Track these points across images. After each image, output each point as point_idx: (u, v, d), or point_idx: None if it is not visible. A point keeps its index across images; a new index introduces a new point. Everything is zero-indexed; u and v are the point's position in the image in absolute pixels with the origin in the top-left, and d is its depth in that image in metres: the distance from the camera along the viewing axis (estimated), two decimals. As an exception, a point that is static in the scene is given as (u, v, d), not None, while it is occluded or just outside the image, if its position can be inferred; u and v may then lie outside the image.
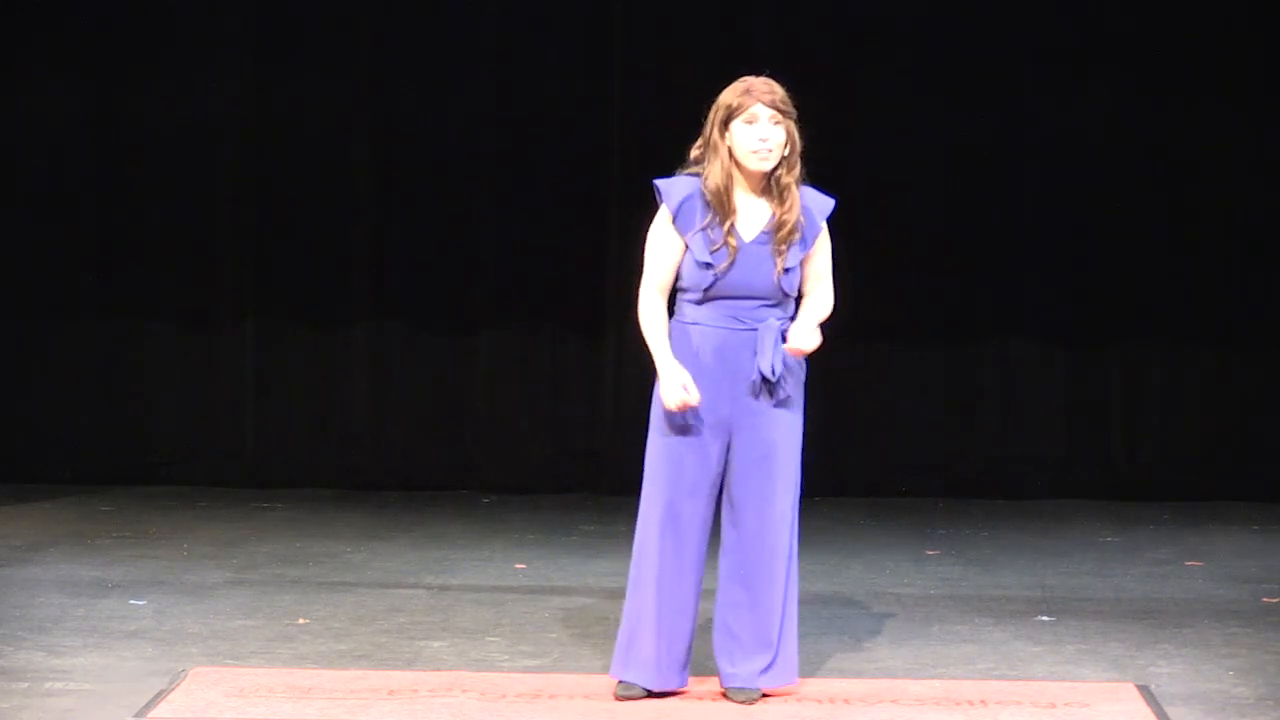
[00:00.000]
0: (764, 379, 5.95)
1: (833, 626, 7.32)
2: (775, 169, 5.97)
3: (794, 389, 6.03)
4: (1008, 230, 10.95)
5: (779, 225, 5.96)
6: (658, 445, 6.04)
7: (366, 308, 11.18)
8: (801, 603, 7.70)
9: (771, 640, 6.05)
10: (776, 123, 5.96)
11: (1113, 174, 10.93)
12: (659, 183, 6.04)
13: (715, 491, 6.06)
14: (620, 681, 6.09)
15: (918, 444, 11.05)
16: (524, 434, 11.13)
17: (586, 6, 11.05)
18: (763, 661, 6.06)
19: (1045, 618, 7.51)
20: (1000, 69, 10.90)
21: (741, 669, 6.07)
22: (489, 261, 11.08)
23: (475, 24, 11.07)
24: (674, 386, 5.91)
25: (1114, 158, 10.92)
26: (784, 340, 5.98)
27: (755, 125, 5.94)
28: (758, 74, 6.08)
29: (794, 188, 5.97)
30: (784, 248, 5.95)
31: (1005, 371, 11.07)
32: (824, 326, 6.08)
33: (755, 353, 5.95)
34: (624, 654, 6.10)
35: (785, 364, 5.98)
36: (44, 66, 11.12)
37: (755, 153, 5.94)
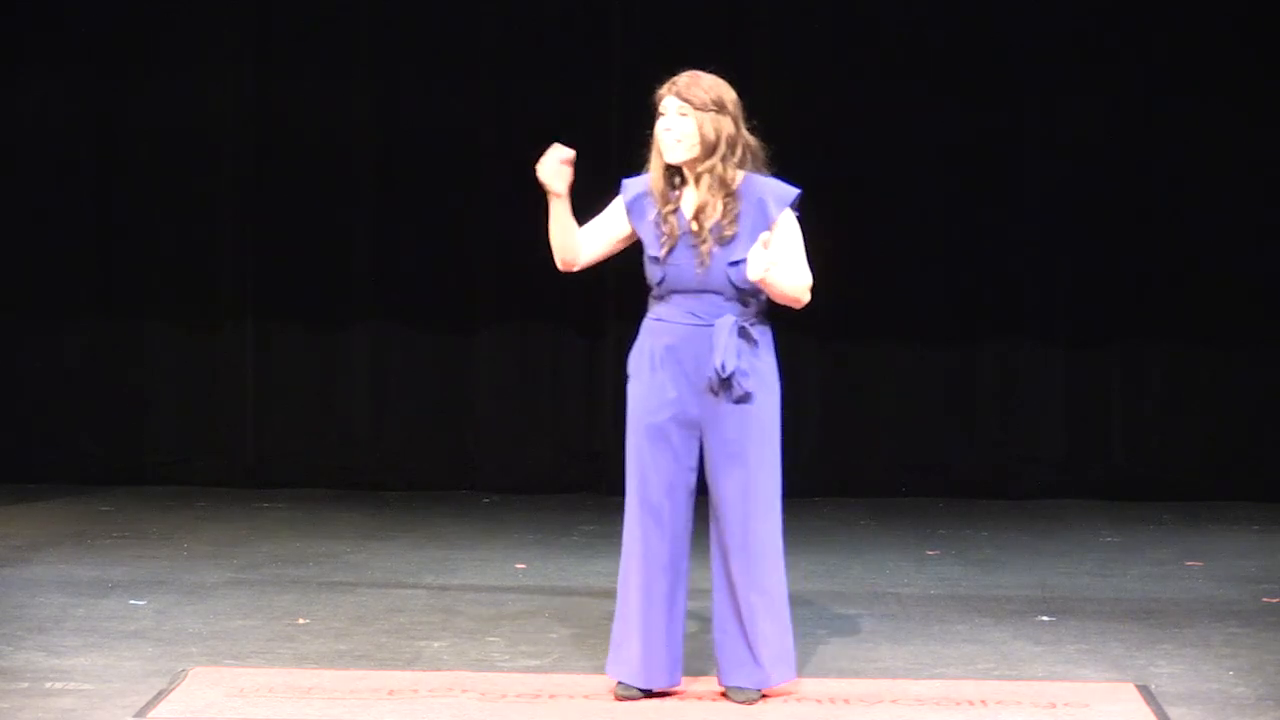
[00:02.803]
0: (719, 376, 5.96)
1: (833, 626, 7.32)
2: (698, 161, 6.00)
3: (758, 386, 6.01)
4: (1008, 230, 10.95)
5: (694, 214, 6.00)
6: (631, 446, 6.08)
7: (366, 308, 11.18)
8: (801, 603, 7.74)
9: (762, 639, 6.04)
10: (684, 114, 6.01)
11: (1113, 173, 10.93)
12: (625, 181, 6.17)
13: (693, 489, 6.07)
14: (619, 682, 6.10)
15: (918, 444, 11.05)
16: (524, 434, 11.13)
17: (586, 6, 11.06)
18: (753, 660, 6.05)
19: (1045, 618, 7.51)
20: (1001, 68, 10.90)
21: (734, 667, 6.08)
22: (489, 261, 11.08)
23: (475, 24, 11.07)
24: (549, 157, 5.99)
25: (1115, 157, 10.92)
26: (742, 336, 5.98)
27: (664, 117, 6.03)
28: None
29: (706, 178, 6.00)
30: (705, 237, 5.97)
31: (1005, 371, 11.07)
32: (817, 313, 6.21)
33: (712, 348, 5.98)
34: (615, 652, 6.14)
35: (747, 361, 5.99)
36: (44, 66, 11.12)
37: (663, 142, 6.02)
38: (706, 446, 6.04)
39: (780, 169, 10.96)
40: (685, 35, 10.82)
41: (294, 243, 11.15)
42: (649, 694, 6.08)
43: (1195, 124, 10.86)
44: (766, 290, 5.96)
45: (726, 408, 5.99)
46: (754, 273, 5.87)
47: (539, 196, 10.79)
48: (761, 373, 6.04)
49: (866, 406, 11.07)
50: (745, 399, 5.99)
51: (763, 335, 6.07)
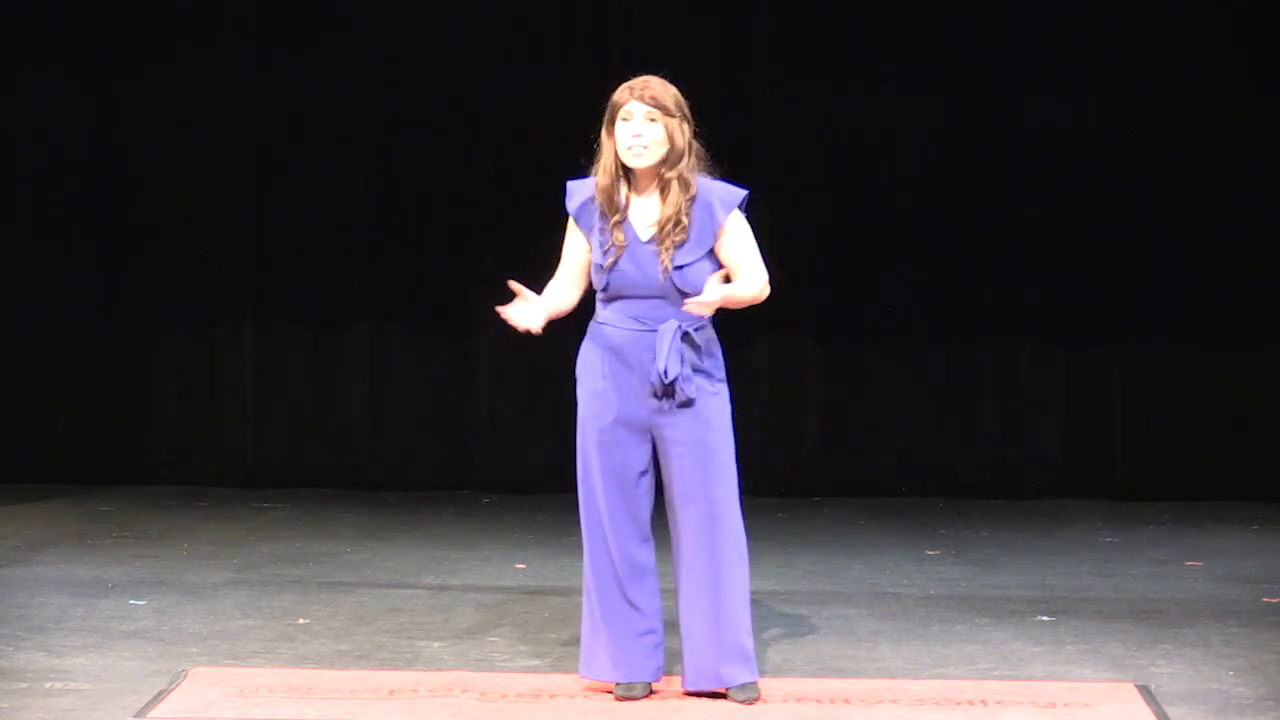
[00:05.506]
0: (662, 381, 5.96)
1: (833, 626, 7.32)
2: (660, 166, 5.99)
3: (704, 390, 6.01)
4: (1008, 229, 10.94)
5: (660, 223, 5.99)
6: (580, 451, 6.10)
7: (366, 308, 11.18)
8: (801, 603, 7.74)
9: (718, 640, 6.03)
10: (651, 120, 6.00)
11: (1113, 173, 10.93)
12: (570, 184, 6.14)
13: (644, 488, 6.06)
14: (619, 683, 6.10)
15: (918, 444, 11.04)
16: (524, 434, 11.13)
17: (587, 7, 11.06)
18: (711, 661, 6.04)
19: (1045, 618, 7.51)
20: (1000, 66, 10.89)
21: (694, 668, 6.07)
22: (488, 262, 11.07)
23: (476, 24, 11.07)
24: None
25: (1114, 157, 10.92)
26: (685, 341, 5.98)
27: (629, 123, 6.01)
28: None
29: (675, 184, 6.00)
30: (668, 244, 5.97)
31: (1005, 371, 11.07)
32: (752, 316, 6.22)
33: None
34: (586, 653, 6.16)
35: (691, 365, 5.98)
36: (44, 66, 11.12)
37: (629, 149, 6.01)
38: (659, 449, 6.06)
39: (780, 169, 11.01)
40: (685, 35, 10.83)
41: (294, 243, 11.15)
42: (650, 693, 6.09)
43: (1196, 123, 10.86)
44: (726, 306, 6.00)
45: (674, 411, 6.00)
46: (698, 311, 5.89)
47: (538, 197, 10.94)
48: (708, 376, 6.04)
49: (866, 407, 11.07)
50: (689, 404, 6.00)
51: (707, 340, 6.06)
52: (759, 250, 6.08)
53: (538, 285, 10.93)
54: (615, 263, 6.01)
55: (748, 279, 6.04)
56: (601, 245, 6.03)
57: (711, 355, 6.07)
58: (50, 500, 10.50)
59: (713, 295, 5.91)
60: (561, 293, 6.16)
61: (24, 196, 11.17)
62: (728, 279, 6.03)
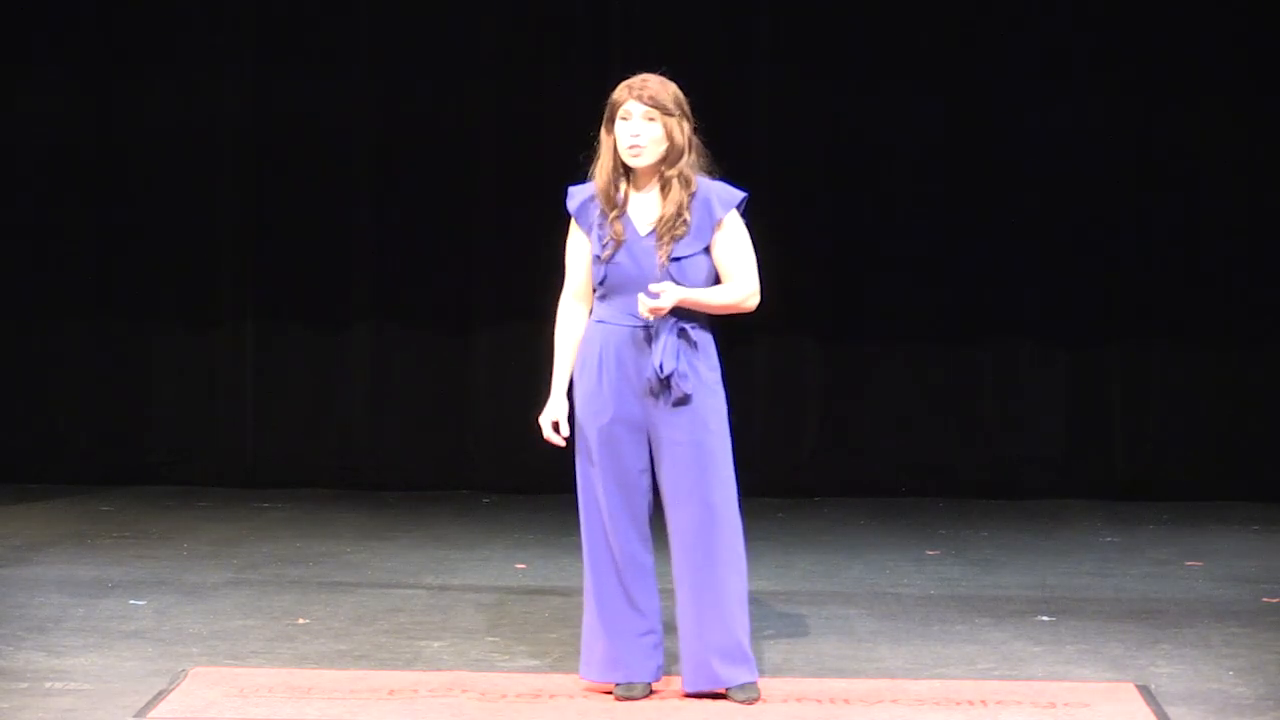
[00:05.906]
0: (658, 377, 5.96)
1: (833, 626, 7.32)
2: (660, 164, 5.99)
3: (699, 387, 6.01)
4: (1008, 230, 10.95)
5: (661, 219, 6.00)
6: (579, 449, 6.10)
7: (366, 308, 11.18)
8: (801, 603, 7.74)
9: (716, 640, 6.02)
10: (650, 119, 6.00)
11: (1113, 173, 10.93)
12: (570, 188, 6.13)
13: (643, 487, 6.06)
14: (619, 684, 6.10)
15: (918, 444, 11.04)
16: (524, 434, 11.08)
17: (587, 7, 11.06)
18: (709, 661, 6.04)
19: (1045, 618, 7.51)
20: (1000, 66, 10.90)
21: (692, 669, 6.06)
22: (488, 261, 11.08)
23: (476, 24, 11.08)
24: (547, 419, 6.11)
25: (1114, 157, 10.92)
26: (681, 338, 5.98)
27: (628, 122, 6.01)
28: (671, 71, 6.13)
29: (675, 181, 6.00)
30: (666, 239, 5.97)
31: (1005, 371, 11.07)
32: (752, 316, 6.17)
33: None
34: (585, 653, 6.16)
35: (687, 363, 5.98)
36: (44, 67, 11.12)
37: (630, 148, 6.01)
38: (655, 449, 6.05)
39: (780, 168, 11.00)
40: (685, 35, 10.84)
41: (294, 243, 11.15)
42: (650, 693, 6.09)
43: (1195, 123, 10.87)
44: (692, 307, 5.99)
45: (670, 410, 5.99)
46: (641, 311, 5.90)
47: (538, 197, 10.94)
48: (702, 375, 6.03)
49: (866, 407, 11.07)
50: (684, 401, 5.99)
51: (703, 338, 6.06)
52: (753, 258, 6.07)
53: (536, 285, 10.92)
54: (613, 256, 6.01)
55: (732, 285, 6.04)
56: (600, 239, 6.04)
57: (708, 355, 6.07)
58: (50, 500, 10.50)
59: (666, 300, 5.89)
60: (576, 323, 6.17)
61: (24, 196, 11.17)
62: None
